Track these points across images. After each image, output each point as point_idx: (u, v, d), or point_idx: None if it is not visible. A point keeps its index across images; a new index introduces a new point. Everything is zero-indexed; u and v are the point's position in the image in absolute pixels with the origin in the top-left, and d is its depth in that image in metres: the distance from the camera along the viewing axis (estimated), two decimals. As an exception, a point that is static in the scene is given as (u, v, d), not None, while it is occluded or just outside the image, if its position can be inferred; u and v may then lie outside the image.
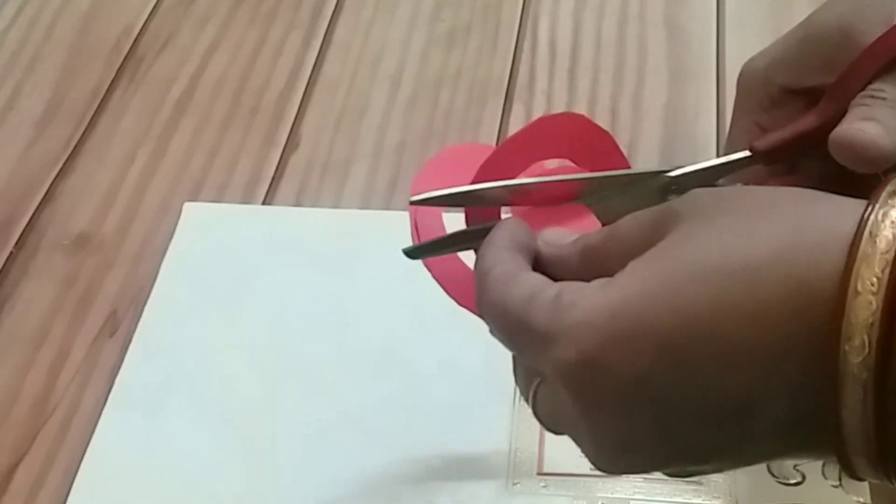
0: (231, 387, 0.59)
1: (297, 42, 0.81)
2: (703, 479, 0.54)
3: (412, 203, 0.44)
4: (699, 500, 0.54)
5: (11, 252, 0.68)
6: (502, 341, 0.39)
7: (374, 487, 0.54)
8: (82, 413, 0.59)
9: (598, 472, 0.41)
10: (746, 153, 0.48)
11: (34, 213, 0.70)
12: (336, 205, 0.70)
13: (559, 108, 0.74)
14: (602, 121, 0.73)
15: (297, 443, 0.57)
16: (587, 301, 0.35)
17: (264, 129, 0.75)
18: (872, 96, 0.46)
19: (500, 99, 0.75)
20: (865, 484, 0.52)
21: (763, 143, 0.48)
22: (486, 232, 0.42)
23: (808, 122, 0.48)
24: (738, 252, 0.33)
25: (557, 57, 0.78)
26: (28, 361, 0.62)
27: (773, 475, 0.53)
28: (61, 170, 0.73)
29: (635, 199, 0.44)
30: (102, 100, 0.78)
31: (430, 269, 0.47)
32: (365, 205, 0.69)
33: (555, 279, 0.38)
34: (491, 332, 0.40)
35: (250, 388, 0.59)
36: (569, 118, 0.48)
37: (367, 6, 0.84)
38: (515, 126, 0.73)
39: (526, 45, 0.79)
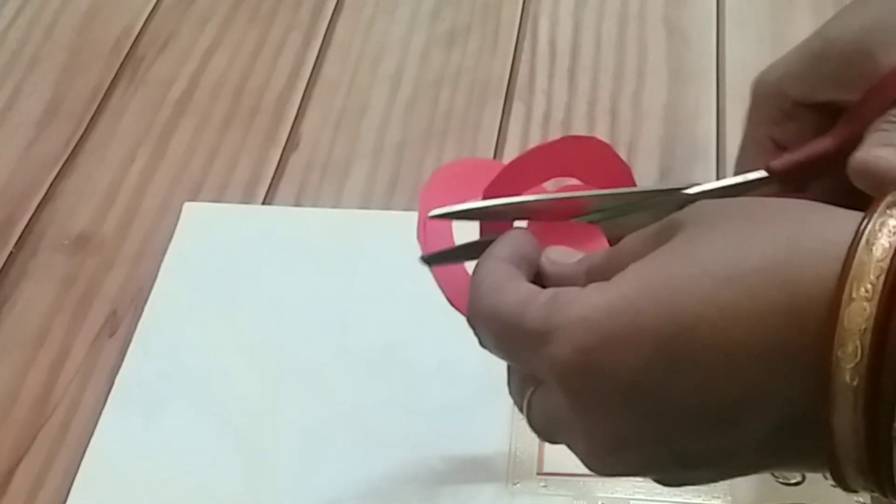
0: (231, 386, 0.59)
1: (297, 42, 0.81)
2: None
3: (431, 217, 0.45)
4: (699, 500, 0.54)
5: (11, 252, 0.68)
6: (494, 349, 0.39)
7: (374, 488, 0.54)
8: (82, 413, 0.59)
9: (597, 473, 0.42)
10: (763, 173, 0.48)
11: (34, 213, 0.70)
12: (336, 205, 0.70)
13: (559, 108, 0.74)
14: (602, 121, 0.73)
15: (297, 442, 0.57)
16: (585, 299, 0.35)
17: (264, 129, 0.75)
18: (892, 121, 0.45)
19: (500, 99, 0.75)
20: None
21: (780, 163, 0.48)
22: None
23: (825, 143, 0.47)
24: (738, 256, 0.33)
25: (557, 57, 0.78)
26: (28, 361, 0.62)
27: (773, 475, 0.53)
28: (61, 170, 0.73)
29: (651, 217, 0.44)
30: (102, 100, 0.78)
31: (434, 276, 0.47)
32: (365, 205, 0.69)
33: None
34: (480, 343, 0.40)
35: (250, 387, 0.59)
36: (590, 143, 0.48)
37: (367, 6, 0.84)
38: (515, 126, 0.73)
39: (526, 45, 0.79)
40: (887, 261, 0.31)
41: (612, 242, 0.44)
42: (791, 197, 0.46)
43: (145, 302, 0.64)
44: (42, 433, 0.59)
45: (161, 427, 0.58)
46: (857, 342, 0.31)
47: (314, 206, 0.70)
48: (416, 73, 0.78)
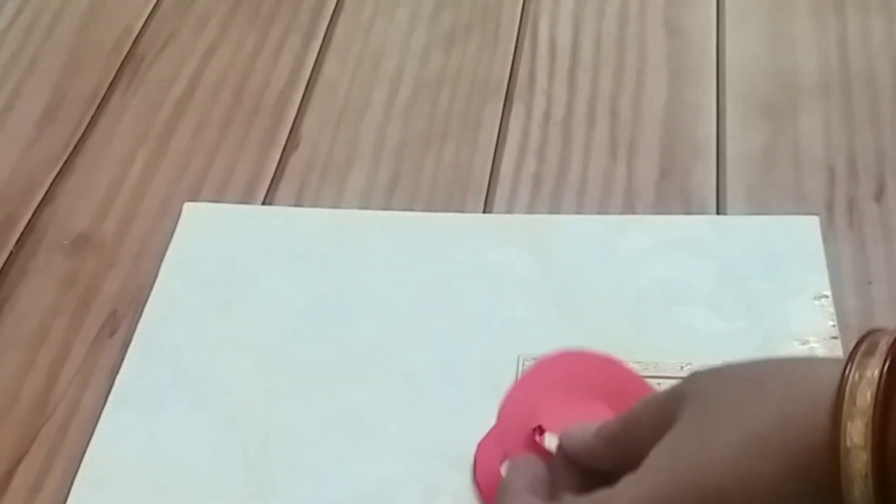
0: (231, 387, 0.59)
1: (296, 42, 0.81)
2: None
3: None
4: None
5: (11, 252, 0.68)
6: None
7: (374, 489, 0.54)
8: (82, 413, 0.59)
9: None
10: None
11: (34, 214, 0.70)
12: (336, 204, 0.69)
13: (559, 107, 0.74)
14: (602, 121, 0.73)
15: (297, 443, 0.57)
16: (623, 499, 0.41)
17: (264, 129, 0.75)
18: None
19: (500, 99, 0.75)
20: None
21: None
22: None
23: None
24: (745, 429, 0.38)
25: (557, 57, 0.78)
26: (28, 361, 0.62)
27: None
28: (61, 170, 0.73)
29: None
30: (102, 100, 0.78)
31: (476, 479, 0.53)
32: (365, 204, 0.69)
33: (584, 469, 0.45)
34: None
35: (250, 388, 0.59)
36: (599, 361, 0.53)
37: (366, 6, 0.84)
38: (515, 126, 0.73)
39: (526, 45, 0.79)
40: (870, 410, 0.35)
41: None
42: None
43: (145, 302, 0.64)
44: (42, 433, 0.59)
45: (161, 427, 0.58)
46: (862, 486, 0.35)
47: (314, 205, 0.69)
48: (416, 74, 0.78)
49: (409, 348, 0.60)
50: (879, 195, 0.66)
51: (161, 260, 0.66)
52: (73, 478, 0.56)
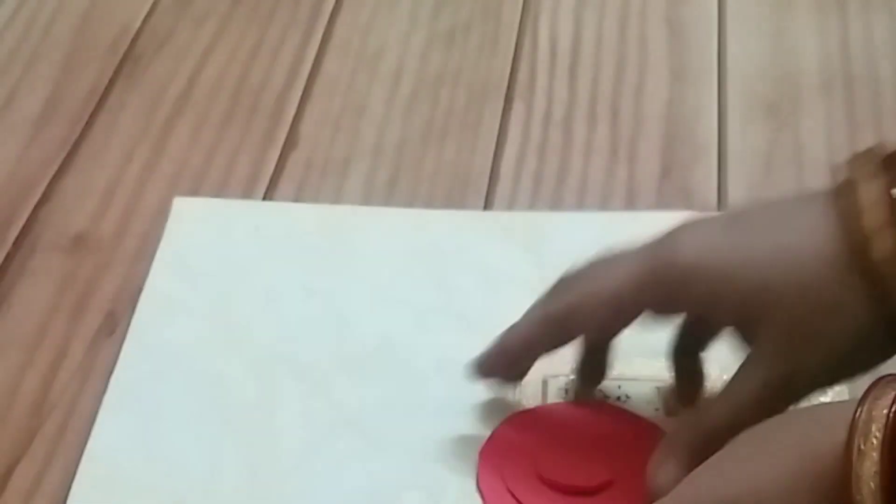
0: (227, 386, 0.59)
1: (295, 41, 0.81)
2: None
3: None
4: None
5: (9, 252, 0.68)
6: None
7: (372, 488, 0.54)
8: (80, 413, 0.59)
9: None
10: None
11: (31, 213, 0.70)
12: (335, 203, 0.69)
13: (560, 106, 0.74)
14: (603, 120, 0.73)
15: (294, 442, 0.56)
16: None
17: (263, 128, 0.75)
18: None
19: (500, 98, 0.75)
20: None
21: None
22: None
23: None
24: (755, 489, 0.39)
25: (558, 56, 0.77)
26: (26, 361, 0.62)
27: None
28: (59, 169, 0.73)
29: None
30: (100, 99, 0.78)
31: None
32: (364, 203, 0.69)
33: None
34: None
35: (246, 387, 0.59)
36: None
37: (366, 4, 0.84)
38: (516, 125, 0.73)
39: (526, 43, 0.79)
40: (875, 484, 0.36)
41: None
42: None
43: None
44: (40, 434, 0.58)
45: (158, 428, 0.58)
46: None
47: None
48: (416, 72, 0.78)
49: (407, 347, 0.60)
50: (882, 194, 0.65)
51: (158, 259, 0.66)
52: (72, 478, 0.56)
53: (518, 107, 0.74)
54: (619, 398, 0.56)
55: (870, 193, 0.44)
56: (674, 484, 0.45)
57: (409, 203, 0.69)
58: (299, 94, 0.77)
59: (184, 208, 0.68)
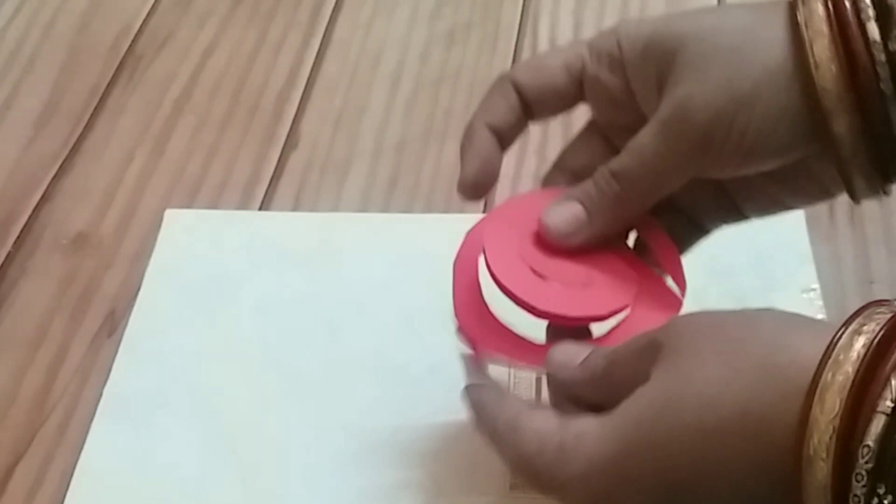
0: (221, 394, 0.59)
1: (296, 41, 0.81)
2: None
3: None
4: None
5: (9, 252, 0.68)
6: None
7: (368, 493, 0.54)
8: (81, 413, 0.59)
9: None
10: None
11: (32, 213, 0.70)
12: (335, 204, 0.69)
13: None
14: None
15: (288, 449, 0.56)
16: (584, 453, 0.40)
17: (263, 128, 0.75)
18: None
19: (500, 98, 0.75)
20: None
21: None
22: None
23: None
24: (710, 407, 0.37)
25: (557, 56, 0.77)
26: (26, 361, 0.62)
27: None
28: (59, 169, 0.73)
29: None
30: (101, 99, 0.78)
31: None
32: (364, 204, 0.69)
33: (568, 396, 0.44)
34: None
35: (240, 395, 0.59)
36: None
37: (366, 5, 0.84)
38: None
39: (526, 44, 0.79)
40: (838, 418, 0.34)
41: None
42: None
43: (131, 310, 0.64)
44: (40, 433, 0.58)
45: (151, 437, 0.57)
46: (822, 497, 0.34)
47: (313, 205, 0.69)
48: (416, 73, 0.78)
49: (399, 352, 0.60)
50: (881, 194, 0.65)
51: (160, 259, 0.66)
52: (71, 478, 0.56)
53: (518, 107, 0.74)
54: None
55: None
56: (573, 227, 0.47)
57: (409, 203, 0.69)
58: (299, 94, 0.77)
59: (175, 220, 0.68)
